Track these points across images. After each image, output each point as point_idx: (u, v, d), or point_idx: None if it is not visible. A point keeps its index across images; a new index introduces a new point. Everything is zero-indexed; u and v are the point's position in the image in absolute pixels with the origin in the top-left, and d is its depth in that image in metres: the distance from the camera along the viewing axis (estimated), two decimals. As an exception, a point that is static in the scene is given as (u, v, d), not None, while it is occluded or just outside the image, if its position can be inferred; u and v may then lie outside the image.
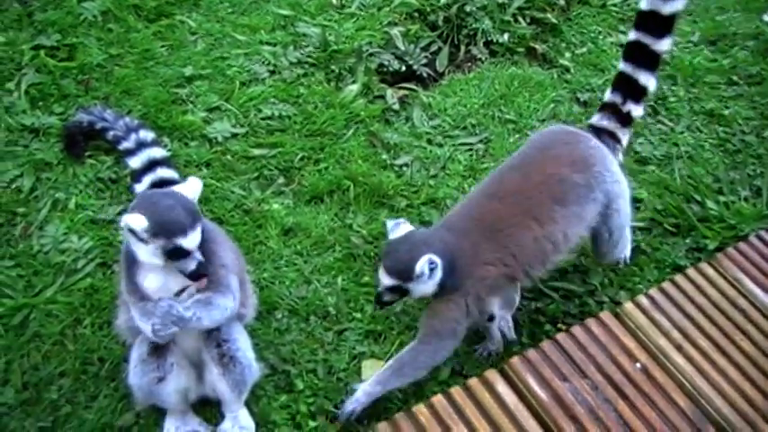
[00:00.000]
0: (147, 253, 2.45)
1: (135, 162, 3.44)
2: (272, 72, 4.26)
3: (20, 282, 3.26)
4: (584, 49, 4.81)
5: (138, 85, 3.96)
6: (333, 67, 4.35)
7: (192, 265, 2.49)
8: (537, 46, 4.75)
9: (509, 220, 2.71)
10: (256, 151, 3.86)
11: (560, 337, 2.91)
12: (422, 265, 2.56)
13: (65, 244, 3.38)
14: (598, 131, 3.11)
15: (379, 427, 2.58)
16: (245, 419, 2.95)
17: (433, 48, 4.62)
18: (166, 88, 4.01)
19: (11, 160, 3.63)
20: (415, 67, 4.46)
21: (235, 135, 3.91)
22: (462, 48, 4.68)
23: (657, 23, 2.96)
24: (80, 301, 3.21)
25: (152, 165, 3.41)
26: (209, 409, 3.03)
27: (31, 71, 3.98)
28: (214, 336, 2.73)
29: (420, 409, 2.63)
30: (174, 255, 2.45)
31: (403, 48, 4.47)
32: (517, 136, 4.16)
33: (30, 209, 3.49)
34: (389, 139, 4.06)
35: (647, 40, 3.00)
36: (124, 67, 4.12)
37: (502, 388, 2.73)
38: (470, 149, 4.10)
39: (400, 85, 4.39)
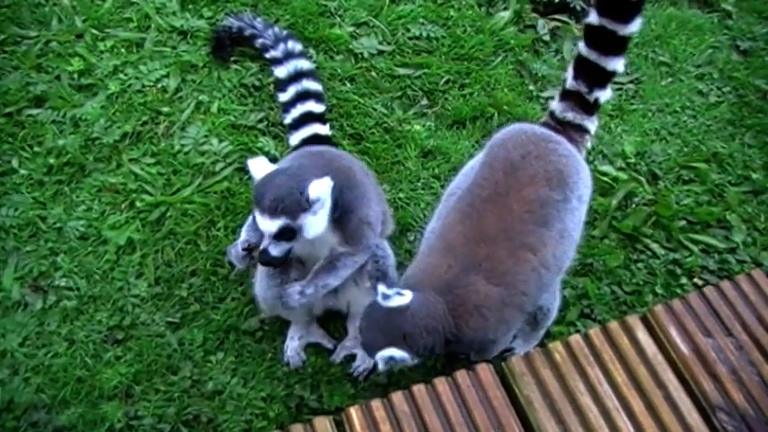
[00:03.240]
0: None
1: (281, 72, 3.42)
2: (423, -9, 4.11)
3: (159, 179, 3.29)
4: (750, -6, 4.40)
5: (288, -5, 3.89)
6: (485, -9, 4.16)
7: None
8: (698, -14, 4.39)
9: (508, 260, 2.43)
10: (401, 70, 3.74)
11: (707, 290, 2.71)
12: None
13: (205, 146, 3.38)
14: (562, 124, 2.73)
15: (513, 360, 2.46)
16: None
17: (590, -21, 4.35)
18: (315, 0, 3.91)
19: (158, 60, 3.63)
20: (568, -2, 4.22)
21: (381, 52, 3.80)
22: (620, -18, 4.38)
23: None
24: (216, 203, 3.22)
25: (298, 76, 3.38)
26: (332, 322, 3.02)
27: (184, -27, 3.98)
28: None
29: (557, 347, 2.50)
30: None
31: (557, -23, 4.22)
32: (670, 80, 3.92)
33: (173, 109, 3.50)
34: (537, 71, 3.88)
35: (612, 26, 2.52)
36: (274, -25, 4.06)
37: (642, 336, 2.57)
38: (620, 89, 3.86)
39: (552, 16, 4.17)
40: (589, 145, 2.82)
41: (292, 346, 2.89)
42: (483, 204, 2.50)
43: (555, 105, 2.74)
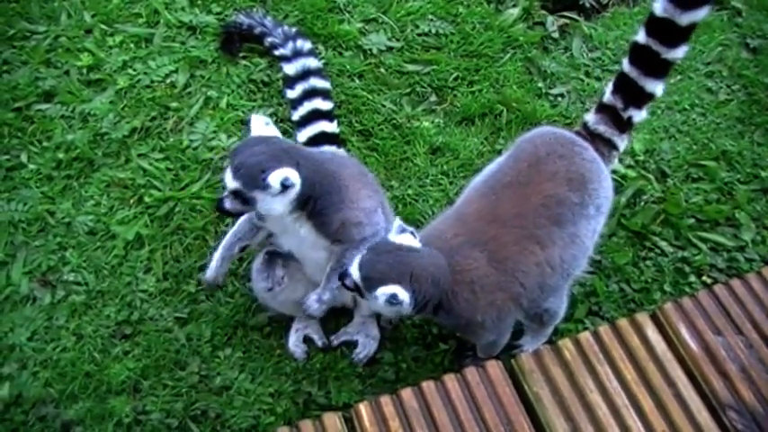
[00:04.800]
0: None
1: (290, 69, 3.43)
2: (432, -12, 4.10)
3: (168, 174, 3.30)
4: (761, -9, 4.37)
5: (297, -10, 3.88)
6: (494, -12, 4.15)
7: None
8: (708, -16, 4.35)
9: (513, 246, 2.45)
10: (410, 67, 3.73)
11: (717, 288, 2.71)
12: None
13: (213, 141, 3.38)
14: (592, 136, 2.73)
15: (522, 357, 2.46)
16: (374, 329, 2.93)
17: (600, -23, 4.34)
18: (324, -5, 3.91)
19: (167, 55, 3.64)
20: (578, -5, 4.21)
21: (390, 48, 3.79)
22: (629, -20, 4.37)
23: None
24: (224, 198, 3.21)
25: (306, 74, 3.38)
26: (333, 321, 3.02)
27: (193, -31, 3.98)
28: None
29: (566, 344, 2.50)
30: None
31: (568, -26, 4.21)
32: (679, 77, 3.88)
33: (182, 104, 3.50)
34: (546, 68, 3.87)
35: (658, 47, 2.54)
36: (284, -29, 4.05)
37: (652, 333, 2.58)
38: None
39: (561, 14, 4.16)
40: (616, 161, 2.84)
41: (293, 339, 2.91)
42: (502, 189, 2.55)
43: (589, 116, 2.75)
